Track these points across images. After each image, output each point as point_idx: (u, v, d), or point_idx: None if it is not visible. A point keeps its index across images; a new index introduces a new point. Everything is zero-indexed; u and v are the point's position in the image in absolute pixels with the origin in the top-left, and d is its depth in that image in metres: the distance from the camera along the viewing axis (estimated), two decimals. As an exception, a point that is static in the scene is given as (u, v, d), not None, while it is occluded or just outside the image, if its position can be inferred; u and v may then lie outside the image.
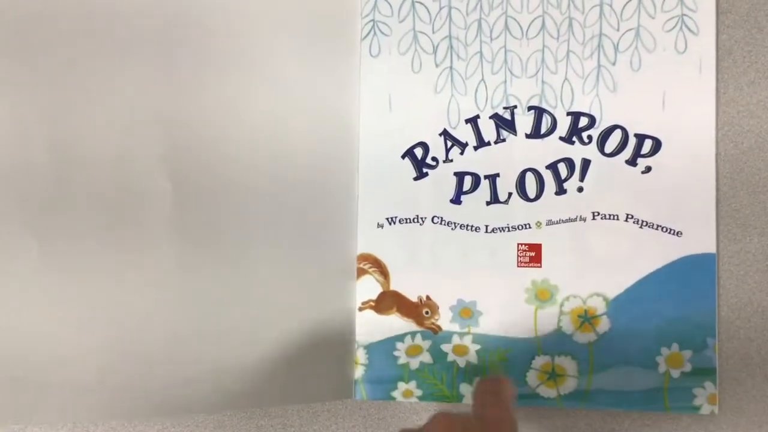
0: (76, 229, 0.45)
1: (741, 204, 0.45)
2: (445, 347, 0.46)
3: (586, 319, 0.45)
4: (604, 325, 0.45)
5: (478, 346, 0.46)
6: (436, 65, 0.46)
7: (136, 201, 0.45)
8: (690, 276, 0.45)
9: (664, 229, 0.45)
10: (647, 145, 0.45)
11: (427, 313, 0.46)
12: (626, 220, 0.45)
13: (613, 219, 0.45)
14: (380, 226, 0.46)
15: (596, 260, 0.45)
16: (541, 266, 0.45)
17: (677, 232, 0.45)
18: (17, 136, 0.45)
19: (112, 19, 0.46)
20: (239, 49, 0.46)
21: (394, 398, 0.46)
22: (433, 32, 0.46)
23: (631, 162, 0.45)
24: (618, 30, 0.45)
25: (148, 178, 0.45)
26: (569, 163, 0.45)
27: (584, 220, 0.45)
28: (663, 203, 0.45)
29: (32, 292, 0.45)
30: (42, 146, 0.45)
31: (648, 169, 0.45)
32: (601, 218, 0.45)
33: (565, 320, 0.45)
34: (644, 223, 0.45)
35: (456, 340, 0.46)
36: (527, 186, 0.46)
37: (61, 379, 0.45)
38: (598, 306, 0.45)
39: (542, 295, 0.45)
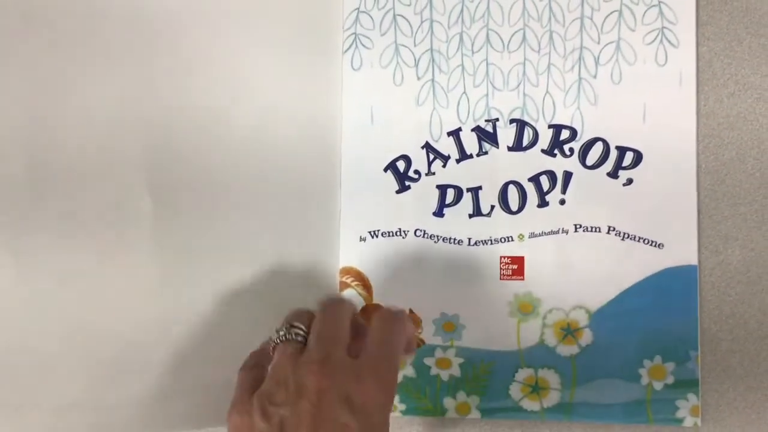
0: (54, 243, 0.45)
1: (722, 216, 0.45)
2: (428, 361, 0.46)
3: (569, 331, 0.45)
4: (586, 337, 0.45)
5: (461, 360, 0.46)
6: (418, 78, 0.46)
7: (115, 213, 0.45)
8: (672, 288, 0.45)
9: (646, 241, 0.45)
10: (628, 157, 0.45)
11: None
12: (608, 233, 0.45)
13: (595, 231, 0.45)
14: (362, 239, 0.46)
15: (578, 273, 0.45)
16: (523, 279, 0.45)
17: (659, 244, 0.45)
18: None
19: (92, 28, 0.46)
20: (220, 62, 0.46)
21: (377, 412, 0.46)
22: (415, 45, 0.46)
23: (613, 174, 0.45)
24: (599, 43, 0.45)
25: (128, 191, 0.45)
26: (551, 175, 0.45)
27: (566, 232, 0.45)
28: (644, 215, 0.45)
29: (10, 307, 0.44)
30: (18, 158, 0.45)
31: (629, 182, 0.45)
32: (583, 230, 0.45)
33: (547, 333, 0.45)
34: (626, 236, 0.45)
35: (439, 353, 0.46)
36: (510, 198, 0.46)
37: (42, 395, 0.44)
38: (581, 318, 0.45)
39: (525, 308, 0.45)
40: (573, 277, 0.45)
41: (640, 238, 0.45)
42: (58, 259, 0.45)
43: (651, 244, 0.45)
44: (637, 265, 0.45)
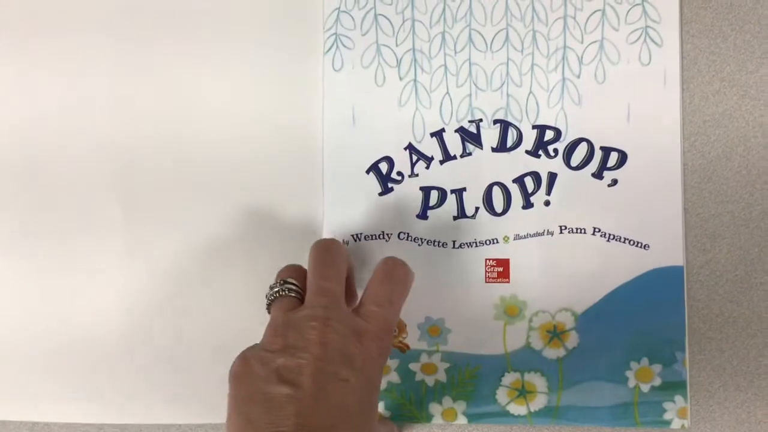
0: (37, 245, 0.46)
1: (710, 214, 0.45)
2: (413, 366, 0.45)
3: (555, 334, 0.45)
4: (573, 340, 0.45)
5: (447, 365, 0.45)
6: (400, 78, 0.45)
7: (87, 220, 0.46)
8: (658, 289, 0.44)
9: (632, 242, 0.44)
10: (613, 158, 0.45)
11: (394, 331, 0.45)
12: (593, 234, 0.44)
13: (580, 233, 0.45)
14: (345, 243, 0.45)
15: (564, 275, 0.45)
16: (509, 281, 0.45)
17: (644, 245, 0.44)
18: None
19: (61, 35, 0.46)
20: (198, 62, 0.46)
21: (362, 419, 0.45)
22: (397, 45, 0.45)
23: (598, 175, 0.45)
24: (582, 42, 0.45)
25: (100, 197, 0.46)
26: (536, 176, 0.45)
27: (551, 234, 0.45)
28: (630, 216, 0.44)
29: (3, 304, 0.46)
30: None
31: (614, 182, 0.45)
32: (569, 232, 0.45)
33: (534, 336, 0.45)
34: (611, 237, 0.44)
35: (424, 358, 0.45)
36: (494, 200, 0.45)
37: (36, 387, 0.46)
38: (567, 321, 0.45)
39: (511, 311, 0.45)
40: (559, 280, 0.45)
41: (625, 239, 0.44)
42: (38, 260, 0.46)
43: (636, 245, 0.44)
44: (622, 267, 0.44)
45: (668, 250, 0.44)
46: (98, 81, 0.46)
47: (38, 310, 0.46)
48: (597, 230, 0.44)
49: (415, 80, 0.45)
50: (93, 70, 0.46)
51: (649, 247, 0.44)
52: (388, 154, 0.45)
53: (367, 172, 0.45)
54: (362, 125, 0.45)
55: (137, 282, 0.46)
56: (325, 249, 0.40)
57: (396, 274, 0.39)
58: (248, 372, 0.35)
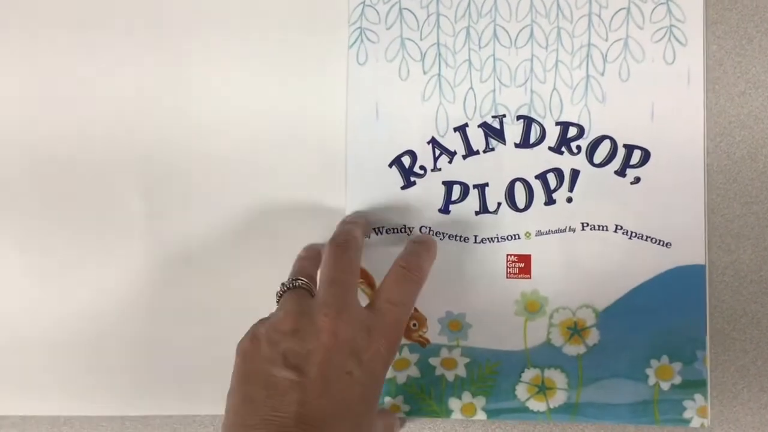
0: (55, 239, 0.46)
1: (734, 215, 0.45)
2: (433, 361, 0.45)
3: (576, 331, 0.44)
4: (593, 337, 0.44)
5: (467, 360, 0.45)
6: (424, 73, 0.45)
7: (109, 212, 0.46)
8: (679, 287, 0.44)
9: (654, 240, 0.44)
10: (636, 155, 0.44)
11: (414, 325, 0.45)
12: (615, 231, 0.44)
13: (602, 230, 0.44)
14: (367, 236, 0.45)
15: (585, 272, 0.44)
16: (530, 277, 0.45)
17: (666, 243, 0.44)
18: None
19: (93, 28, 0.46)
20: (223, 57, 0.46)
21: (381, 412, 0.45)
22: (421, 39, 0.45)
23: (620, 173, 0.44)
24: (606, 40, 0.45)
25: (123, 190, 0.46)
26: (558, 173, 0.45)
27: (573, 230, 0.45)
28: (652, 214, 0.44)
29: (16, 297, 0.46)
30: (19, 159, 0.46)
31: (637, 180, 0.44)
32: (590, 229, 0.44)
33: (554, 332, 0.44)
34: (633, 234, 0.44)
35: (444, 353, 0.45)
36: (516, 196, 0.45)
37: (48, 379, 0.46)
38: (588, 318, 0.44)
39: (531, 306, 0.45)
40: (580, 276, 0.44)
41: (647, 237, 0.44)
42: (59, 253, 0.46)
43: (659, 243, 0.44)
44: (644, 265, 0.44)
45: (690, 249, 0.44)
46: (123, 76, 0.46)
47: (58, 303, 0.46)
48: (619, 227, 0.44)
49: (439, 75, 0.45)
50: (117, 65, 0.46)
51: (671, 245, 0.44)
52: (411, 148, 0.45)
53: (390, 165, 0.45)
54: (386, 119, 0.46)
55: (159, 274, 0.46)
56: (343, 244, 0.40)
57: (412, 276, 0.40)
58: (255, 350, 0.35)
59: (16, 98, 0.46)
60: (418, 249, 0.42)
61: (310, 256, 0.43)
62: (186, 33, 0.46)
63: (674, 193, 0.44)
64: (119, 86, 0.46)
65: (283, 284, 0.39)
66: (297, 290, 0.38)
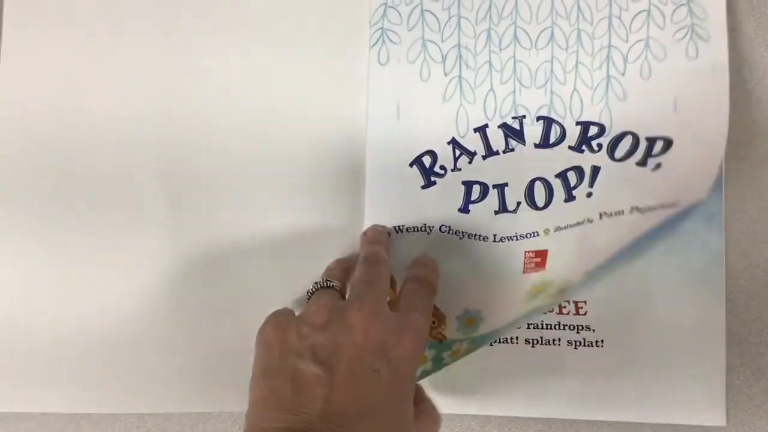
0: (75, 232, 0.46)
1: (751, 219, 0.45)
2: (445, 354, 0.45)
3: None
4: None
5: (468, 346, 0.45)
6: (445, 74, 0.46)
7: (129, 205, 0.47)
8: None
9: (664, 206, 0.44)
10: (658, 145, 0.44)
11: (434, 323, 0.45)
12: (630, 213, 0.44)
13: (619, 215, 0.44)
14: (387, 235, 0.46)
15: (598, 255, 0.45)
16: (545, 269, 0.45)
17: (673, 203, 0.44)
18: (21, 131, 0.47)
19: (115, 27, 0.47)
20: (245, 58, 0.47)
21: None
22: (442, 41, 0.46)
23: (642, 163, 0.44)
24: (627, 42, 0.45)
25: (144, 186, 0.47)
26: (578, 171, 0.45)
27: (591, 221, 0.44)
28: (668, 192, 0.44)
29: (35, 288, 0.47)
30: (42, 154, 0.47)
31: (657, 167, 0.44)
32: (608, 216, 0.44)
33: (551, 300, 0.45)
34: (647, 209, 0.44)
35: (455, 346, 0.45)
36: (536, 195, 0.45)
37: (61, 371, 0.47)
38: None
39: (538, 290, 0.45)
40: (593, 261, 0.45)
41: (660, 206, 0.44)
42: (79, 246, 0.46)
43: (668, 207, 0.44)
44: (654, 227, 0.44)
45: (698, 189, 0.44)
46: (145, 73, 0.47)
47: (79, 302, 0.46)
48: (635, 208, 0.44)
49: (459, 76, 0.46)
50: (141, 61, 0.47)
51: (678, 203, 0.44)
52: (431, 148, 0.46)
53: (411, 165, 0.46)
54: (406, 119, 0.46)
55: (179, 273, 0.46)
56: (373, 259, 0.41)
57: (425, 286, 0.41)
58: (282, 341, 0.35)
59: (40, 96, 0.47)
60: (425, 260, 0.44)
61: (342, 268, 0.43)
62: (207, 35, 0.47)
63: (692, 171, 0.44)
64: (142, 83, 0.47)
65: (316, 283, 0.40)
66: (329, 290, 0.39)
